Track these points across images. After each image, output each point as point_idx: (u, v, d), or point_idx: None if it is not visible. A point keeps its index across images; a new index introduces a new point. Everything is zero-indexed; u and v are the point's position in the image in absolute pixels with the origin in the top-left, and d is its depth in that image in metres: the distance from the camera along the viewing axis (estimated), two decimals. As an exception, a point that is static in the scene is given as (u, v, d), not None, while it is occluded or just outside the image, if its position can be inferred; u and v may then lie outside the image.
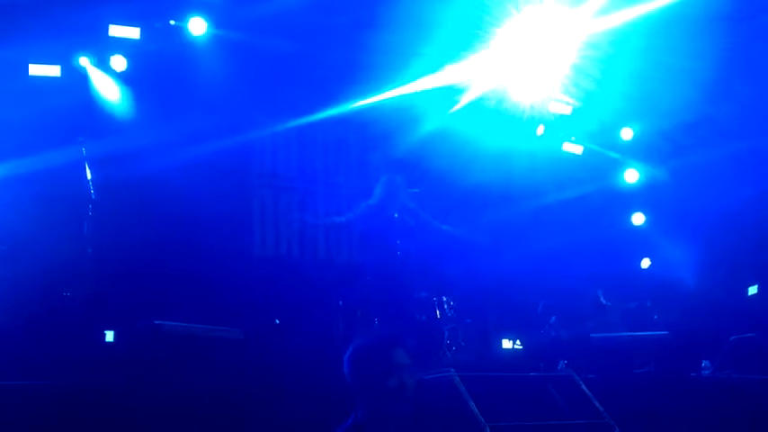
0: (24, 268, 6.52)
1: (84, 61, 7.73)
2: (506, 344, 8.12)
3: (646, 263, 9.62)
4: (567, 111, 9.24)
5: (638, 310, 8.25)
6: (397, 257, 7.08)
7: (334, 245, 8.73)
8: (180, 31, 7.92)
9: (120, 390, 4.76)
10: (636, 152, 9.77)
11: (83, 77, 7.74)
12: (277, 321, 6.20)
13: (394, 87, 8.41)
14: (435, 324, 7.06)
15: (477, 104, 8.72)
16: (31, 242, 6.82)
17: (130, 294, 7.04)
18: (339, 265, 8.62)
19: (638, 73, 8.33)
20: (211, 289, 7.38)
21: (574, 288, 8.43)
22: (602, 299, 8.27)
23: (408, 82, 8.40)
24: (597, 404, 5.37)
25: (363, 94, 8.43)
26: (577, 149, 9.63)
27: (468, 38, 8.02)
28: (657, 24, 7.64)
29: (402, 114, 8.54)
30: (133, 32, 7.63)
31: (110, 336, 6.51)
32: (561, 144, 9.55)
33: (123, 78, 7.85)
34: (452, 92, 8.63)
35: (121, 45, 7.70)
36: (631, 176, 9.83)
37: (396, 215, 7.17)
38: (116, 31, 7.58)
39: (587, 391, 5.47)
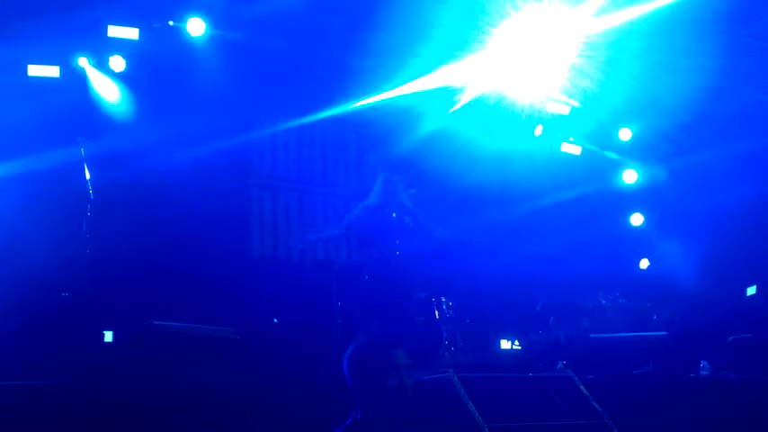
0: (23, 268, 6.52)
1: (82, 62, 7.74)
2: (505, 344, 8.13)
3: (644, 263, 9.63)
4: (566, 111, 9.25)
5: (636, 310, 8.25)
6: (395, 258, 7.07)
7: (333, 246, 8.73)
8: (178, 32, 7.92)
9: (119, 390, 4.76)
10: (634, 153, 9.77)
11: (81, 78, 7.75)
12: (275, 321, 6.20)
13: (392, 88, 8.42)
14: (434, 325, 7.07)
15: (475, 105, 8.72)
16: (30, 242, 6.83)
17: (129, 295, 7.05)
18: (338, 265, 8.62)
19: (637, 73, 8.33)
20: (210, 289, 7.38)
21: (572, 289, 8.43)
22: (602, 300, 8.27)
23: (406, 82, 8.40)
24: (596, 404, 5.37)
25: (362, 95, 8.44)
26: (576, 150, 9.63)
27: (466, 38, 8.02)
28: (656, 24, 7.64)
29: (400, 115, 8.55)
30: (132, 33, 7.64)
31: (108, 336, 6.51)
32: (560, 144, 9.55)
33: (122, 79, 7.86)
34: (451, 92, 8.63)
35: (120, 45, 7.71)
36: (630, 177, 9.84)
37: (393, 215, 7.15)
38: (115, 31, 7.59)
39: (586, 391, 5.47)
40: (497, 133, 8.91)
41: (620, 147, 9.77)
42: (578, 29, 8.04)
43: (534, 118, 9.10)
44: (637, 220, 9.80)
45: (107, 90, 7.86)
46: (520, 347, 8.02)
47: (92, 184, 6.71)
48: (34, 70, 7.45)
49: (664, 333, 6.98)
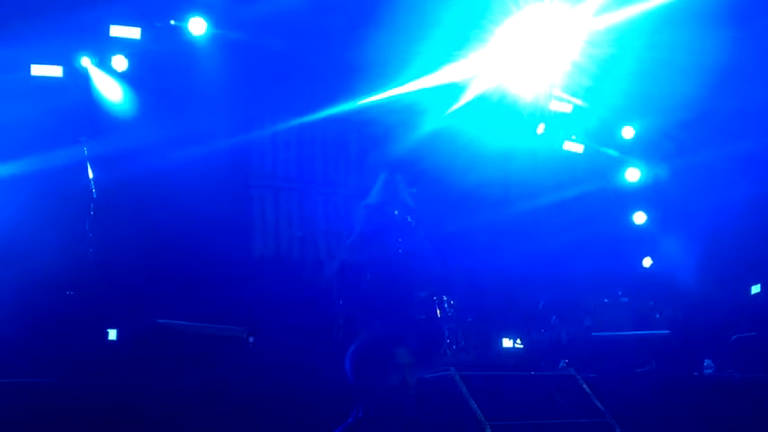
0: (27, 267, 6.53)
1: (85, 61, 7.75)
2: (507, 343, 8.12)
3: (647, 262, 9.62)
4: (568, 109, 9.23)
5: (639, 309, 8.23)
6: (397, 256, 7.05)
7: (335, 244, 8.74)
8: (180, 31, 7.93)
9: (122, 388, 4.77)
10: (637, 151, 9.76)
11: (84, 77, 7.77)
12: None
13: (394, 87, 8.42)
14: (436, 323, 7.06)
15: (477, 103, 8.72)
16: (34, 241, 6.84)
17: (133, 293, 7.06)
18: (339, 264, 8.62)
19: (640, 71, 8.32)
20: (212, 288, 7.39)
21: (575, 287, 8.42)
22: (604, 298, 8.26)
23: (408, 81, 8.40)
24: (598, 403, 5.36)
25: (363, 94, 8.43)
26: (578, 148, 9.62)
27: (468, 36, 8.01)
28: (659, 22, 7.62)
29: (402, 113, 8.54)
30: (134, 32, 7.66)
31: (112, 334, 6.53)
32: (562, 143, 9.54)
33: (124, 78, 7.88)
34: (453, 90, 8.62)
35: (122, 45, 7.72)
36: (632, 175, 9.82)
37: (396, 212, 7.11)
38: (117, 31, 7.61)
39: (588, 390, 5.47)
40: (499, 131, 8.91)
41: (623, 145, 9.75)
42: (580, 27, 8.03)
43: (536, 116, 9.09)
44: (639, 218, 9.79)
45: (110, 89, 7.87)
46: (522, 346, 8.01)
47: (95, 184, 6.73)
48: (37, 70, 7.47)
49: (667, 332, 6.97)
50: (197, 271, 7.49)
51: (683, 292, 8.61)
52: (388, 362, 3.12)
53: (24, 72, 7.42)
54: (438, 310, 7.08)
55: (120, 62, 7.78)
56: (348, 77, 8.27)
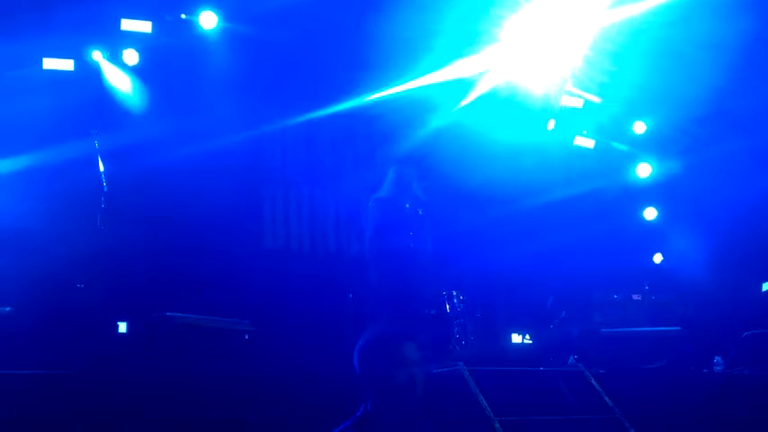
0: (38, 260, 6.56)
1: (96, 55, 7.77)
2: (516, 338, 8.12)
3: (658, 258, 9.57)
4: (579, 104, 9.19)
5: (649, 305, 8.20)
6: (409, 249, 7.02)
7: (344, 238, 8.74)
8: (191, 25, 7.94)
9: (132, 381, 4.79)
10: (649, 146, 9.71)
11: (96, 71, 7.79)
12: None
13: (404, 82, 8.39)
14: (445, 318, 7.05)
15: (487, 98, 8.69)
16: (45, 234, 6.87)
17: (143, 286, 7.09)
18: (349, 257, 8.63)
19: (652, 65, 8.26)
20: (222, 281, 7.41)
21: (584, 283, 8.39)
22: (614, 294, 8.22)
23: (418, 76, 8.37)
24: (607, 399, 5.35)
25: (373, 89, 8.42)
26: (589, 143, 9.58)
27: (478, 30, 7.98)
28: (672, 15, 7.56)
29: (412, 109, 8.52)
30: (145, 26, 7.68)
31: (122, 327, 6.56)
32: (573, 138, 9.50)
33: (135, 72, 7.89)
34: (462, 85, 8.60)
35: (133, 39, 7.74)
36: (644, 171, 9.77)
37: (407, 206, 7.07)
38: (128, 24, 7.63)
39: (597, 386, 5.46)
40: (509, 127, 8.87)
41: (634, 140, 9.70)
42: (593, 20, 7.97)
43: (547, 111, 9.05)
44: (650, 214, 9.75)
45: (121, 83, 7.89)
46: (531, 341, 8.00)
47: (106, 177, 6.75)
48: (49, 63, 7.50)
49: (677, 328, 6.94)
50: (207, 265, 7.51)
51: (693, 288, 8.57)
52: (396, 356, 3.12)
53: (36, 66, 7.45)
54: (447, 305, 7.07)
55: (131, 56, 7.79)
56: (358, 72, 8.25)
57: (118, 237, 6.79)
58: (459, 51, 8.17)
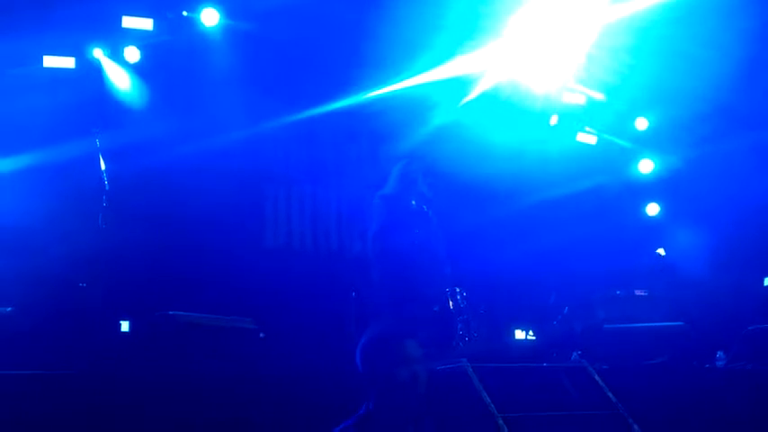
0: (40, 259, 6.57)
1: (97, 53, 7.77)
2: (519, 334, 8.11)
3: (661, 253, 9.56)
4: (582, 101, 9.17)
5: (652, 301, 8.19)
6: (414, 247, 6.98)
7: (347, 236, 8.74)
8: (193, 22, 7.93)
9: (135, 380, 4.79)
10: (651, 142, 9.70)
11: (97, 69, 7.78)
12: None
13: (406, 78, 8.38)
14: (448, 314, 7.04)
15: (490, 95, 8.67)
16: (46, 233, 6.87)
17: (145, 285, 7.09)
18: (352, 255, 8.62)
19: (655, 62, 8.25)
20: (225, 280, 7.41)
21: (587, 279, 8.39)
22: (617, 290, 8.21)
23: (420, 73, 8.36)
24: (611, 395, 5.35)
25: (375, 86, 8.41)
26: (591, 140, 9.57)
27: (480, 27, 7.96)
28: (675, 12, 7.55)
29: (414, 105, 8.51)
30: (146, 24, 7.68)
31: (125, 326, 6.56)
32: (575, 134, 9.49)
33: (137, 69, 7.89)
34: (465, 83, 8.58)
35: (135, 36, 7.73)
36: (646, 167, 9.77)
37: (413, 203, 7.02)
38: (129, 22, 7.63)
39: (601, 381, 5.46)
40: (511, 124, 8.86)
41: (637, 136, 9.69)
42: (595, 17, 7.95)
43: (550, 108, 9.04)
44: (653, 210, 9.74)
45: (122, 81, 7.89)
46: (534, 338, 8.00)
47: (107, 175, 6.74)
48: (50, 61, 7.50)
49: (679, 323, 6.94)
50: (209, 263, 7.51)
51: (696, 283, 8.57)
52: (398, 354, 3.12)
53: (37, 63, 7.45)
54: (450, 302, 7.07)
55: (132, 53, 7.78)
56: (360, 69, 8.24)
57: (119, 235, 6.79)
58: (460, 48, 8.15)
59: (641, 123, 9.61)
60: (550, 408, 5.17)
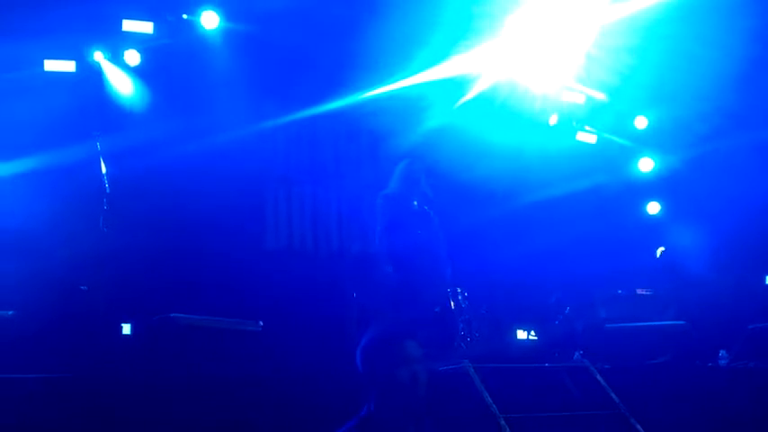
0: (42, 262, 6.58)
1: (98, 56, 7.77)
2: (521, 335, 8.10)
3: (661, 252, 9.56)
4: (581, 100, 9.17)
5: (653, 300, 8.19)
6: (416, 248, 6.97)
7: (347, 236, 8.74)
8: (193, 25, 7.94)
9: (136, 382, 4.80)
10: (651, 141, 9.69)
11: (97, 72, 7.79)
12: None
13: (405, 78, 8.38)
14: (450, 315, 7.04)
15: (489, 94, 8.67)
16: (48, 236, 6.88)
17: (147, 287, 7.09)
18: (354, 256, 8.61)
19: (655, 61, 8.24)
20: (226, 281, 7.41)
21: (589, 279, 8.39)
22: (618, 289, 8.21)
23: (420, 72, 8.35)
24: (613, 395, 5.35)
25: (375, 85, 8.41)
26: (591, 139, 9.56)
27: (479, 27, 7.96)
28: (675, 11, 7.54)
29: (414, 105, 8.51)
30: (146, 27, 7.68)
31: (126, 329, 6.56)
32: (575, 134, 9.48)
33: (137, 72, 7.89)
34: (465, 82, 8.58)
35: (135, 39, 7.74)
36: (646, 165, 9.76)
37: (415, 203, 7.01)
38: (129, 25, 7.64)
39: (603, 381, 5.46)
40: (511, 124, 8.86)
41: (636, 135, 9.68)
42: (595, 17, 7.95)
43: (549, 107, 9.03)
44: (653, 208, 9.74)
45: (122, 84, 7.90)
46: (536, 338, 7.99)
47: (108, 178, 6.75)
48: (50, 65, 7.50)
49: (681, 322, 6.93)
50: (210, 265, 7.52)
51: (697, 282, 8.56)
52: (398, 355, 3.12)
53: (38, 67, 7.46)
54: (452, 303, 7.07)
55: (132, 57, 7.79)
56: (359, 70, 8.23)
57: (121, 238, 6.79)
58: (459, 48, 8.15)
59: (641, 122, 9.60)
60: (552, 408, 5.17)
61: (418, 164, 7.13)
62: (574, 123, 9.40)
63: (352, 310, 7.18)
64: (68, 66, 7.57)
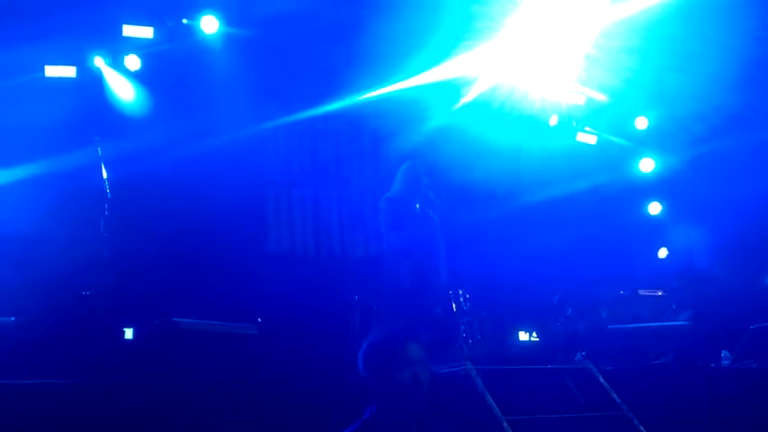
0: (43, 268, 6.58)
1: (98, 61, 7.79)
2: (523, 336, 8.11)
3: (663, 252, 9.56)
4: (581, 101, 9.17)
5: (656, 300, 8.18)
6: (417, 251, 6.96)
7: (349, 239, 8.74)
8: (193, 30, 7.96)
9: (138, 387, 4.80)
10: (652, 141, 9.69)
11: (97, 77, 7.81)
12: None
13: (405, 79, 8.39)
14: (451, 317, 7.04)
15: (490, 95, 8.67)
16: (50, 242, 6.89)
17: (148, 292, 7.09)
18: (355, 259, 8.62)
19: (656, 62, 8.24)
20: (228, 286, 7.41)
21: (591, 280, 8.38)
22: (620, 290, 8.21)
23: (420, 73, 8.36)
24: (615, 396, 5.34)
25: (374, 87, 8.41)
26: (591, 139, 9.56)
27: (479, 28, 7.96)
28: (674, 12, 7.54)
29: (414, 106, 8.51)
30: (146, 32, 7.70)
31: (128, 333, 6.57)
32: (575, 134, 9.48)
33: (137, 78, 7.91)
34: (465, 83, 8.58)
35: (135, 44, 7.76)
36: (647, 166, 9.76)
37: (417, 206, 6.99)
38: (129, 30, 7.66)
39: (605, 382, 5.45)
40: (512, 124, 8.87)
41: (637, 135, 9.68)
42: (595, 17, 7.95)
43: (549, 108, 9.04)
44: (655, 209, 9.73)
45: (123, 89, 7.91)
46: (538, 339, 7.99)
47: (109, 183, 6.76)
48: (51, 71, 7.52)
49: (683, 323, 6.92)
50: (211, 269, 7.52)
51: (699, 282, 8.54)
52: (399, 358, 3.12)
53: (38, 73, 7.48)
54: (454, 305, 7.06)
55: (133, 62, 7.81)
56: (358, 72, 8.25)
57: (122, 243, 6.81)
58: (458, 49, 8.15)
59: (641, 123, 9.60)
60: (555, 410, 5.16)
61: (420, 166, 7.13)
62: (574, 124, 9.40)
63: (354, 313, 7.19)
64: (69, 71, 7.59)
